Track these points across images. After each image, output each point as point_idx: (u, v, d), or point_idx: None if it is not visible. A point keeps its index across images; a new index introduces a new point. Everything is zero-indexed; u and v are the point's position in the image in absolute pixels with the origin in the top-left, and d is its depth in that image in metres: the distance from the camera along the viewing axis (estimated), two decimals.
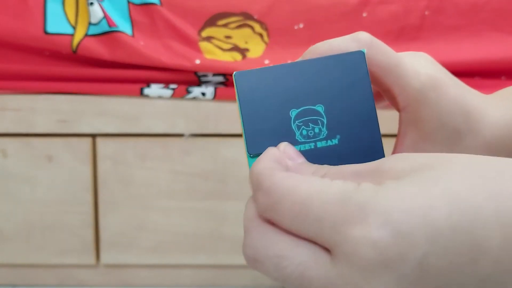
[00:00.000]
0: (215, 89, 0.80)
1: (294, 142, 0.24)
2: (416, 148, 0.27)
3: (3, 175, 0.83)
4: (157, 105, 0.81)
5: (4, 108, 0.81)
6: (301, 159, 0.23)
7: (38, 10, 0.77)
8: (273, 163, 0.22)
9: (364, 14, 0.80)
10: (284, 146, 0.24)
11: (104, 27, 0.76)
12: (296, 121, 0.24)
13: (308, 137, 0.24)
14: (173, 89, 0.80)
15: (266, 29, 0.80)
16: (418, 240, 0.17)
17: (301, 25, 0.80)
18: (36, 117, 0.82)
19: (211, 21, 0.79)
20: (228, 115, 0.82)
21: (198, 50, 0.79)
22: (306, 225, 0.19)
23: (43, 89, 0.81)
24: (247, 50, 0.80)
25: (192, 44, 0.79)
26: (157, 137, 0.83)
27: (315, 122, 0.24)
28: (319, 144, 0.24)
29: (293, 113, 0.24)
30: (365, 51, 0.25)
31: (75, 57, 0.79)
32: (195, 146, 0.83)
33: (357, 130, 0.24)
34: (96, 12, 0.76)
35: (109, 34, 0.76)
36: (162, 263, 0.88)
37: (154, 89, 0.80)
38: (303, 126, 0.24)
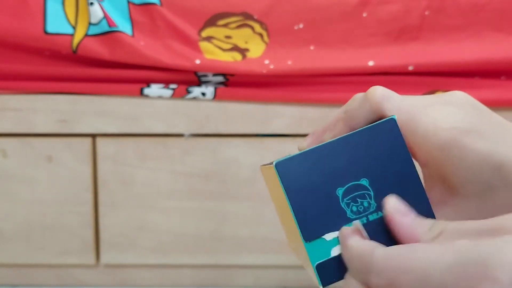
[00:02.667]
0: (215, 89, 0.80)
1: (346, 220, 0.24)
2: (445, 202, 0.25)
3: (3, 175, 0.83)
4: (157, 105, 0.81)
5: (4, 108, 0.81)
6: (414, 214, 0.23)
7: (38, 10, 0.77)
8: (370, 242, 0.22)
9: (364, 14, 0.80)
10: (395, 202, 0.23)
11: (104, 27, 0.76)
12: (344, 199, 0.25)
13: (358, 212, 0.25)
14: (173, 89, 0.80)
15: (266, 29, 0.80)
16: None
17: (301, 25, 0.80)
18: (36, 117, 0.82)
19: (211, 21, 0.79)
20: (228, 115, 0.82)
21: (198, 50, 0.79)
22: None
23: (43, 89, 0.81)
24: (247, 50, 0.80)
25: (192, 44, 0.79)
26: (157, 137, 0.83)
27: (362, 197, 0.25)
28: (370, 217, 0.25)
29: (340, 191, 0.25)
30: (395, 117, 0.25)
31: (75, 57, 0.79)
32: (195, 146, 0.83)
33: (404, 196, 0.24)
34: (96, 12, 0.76)
35: (109, 34, 0.76)
36: (162, 263, 0.88)
37: (154, 89, 0.80)
38: (352, 203, 0.25)
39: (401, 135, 0.25)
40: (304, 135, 0.91)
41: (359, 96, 0.27)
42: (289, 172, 0.25)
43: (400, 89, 0.79)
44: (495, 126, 0.25)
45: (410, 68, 0.78)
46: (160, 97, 0.81)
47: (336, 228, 0.24)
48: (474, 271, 0.17)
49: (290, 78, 0.79)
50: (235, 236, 0.86)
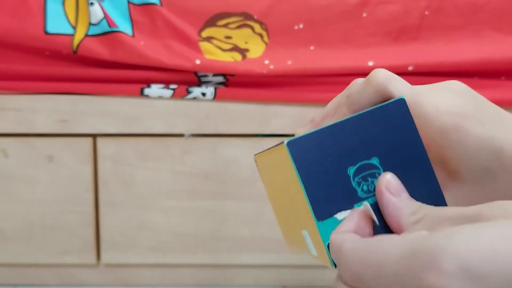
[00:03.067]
0: (215, 89, 0.80)
1: (357, 199, 0.24)
2: (446, 187, 0.25)
3: (4, 175, 0.84)
4: (157, 105, 0.81)
5: (5, 108, 0.82)
6: (405, 194, 0.23)
7: (38, 10, 0.77)
8: (344, 234, 0.22)
9: (364, 14, 0.80)
10: (390, 176, 0.24)
11: (105, 27, 0.77)
12: (356, 178, 0.25)
13: (369, 191, 0.25)
14: (173, 89, 0.80)
15: (266, 29, 0.80)
16: (494, 285, 0.16)
17: (301, 25, 0.80)
18: (37, 117, 0.82)
19: (211, 21, 0.80)
20: (228, 115, 0.82)
21: (198, 50, 0.79)
22: (392, 286, 0.19)
23: (44, 89, 0.81)
24: (247, 50, 0.80)
25: (192, 44, 0.79)
26: (157, 137, 0.83)
27: (373, 176, 0.25)
28: None
29: (351, 170, 0.25)
30: (404, 98, 0.25)
31: (76, 57, 0.79)
32: (195, 146, 0.83)
33: (415, 175, 0.25)
34: (96, 12, 0.76)
35: (109, 34, 0.77)
36: (162, 263, 0.88)
37: (154, 89, 0.80)
38: (363, 182, 0.25)
39: (411, 115, 0.25)
40: None
41: (360, 80, 0.27)
42: (300, 151, 0.24)
43: None
44: (492, 113, 0.25)
45: (410, 68, 0.78)
46: (160, 97, 0.81)
47: (348, 207, 0.24)
48: (422, 260, 0.18)
49: (290, 78, 0.80)
50: (235, 235, 0.86)
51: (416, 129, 0.25)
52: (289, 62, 0.79)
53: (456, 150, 0.24)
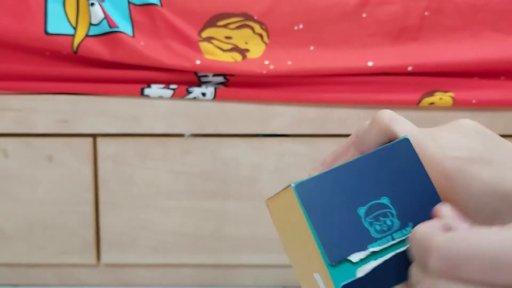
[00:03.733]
0: (215, 89, 0.80)
1: (370, 240, 0.24)
2: None
3: (4, 175, 0.84)
4: (157, 105, 0.81)
5: (5, 108, 0.82)
6: (467, 223, 0.23)
7: (39, 11, 0.77)
8: (435, 229, 0.21)
9: (364, 15, 0.80)
10: (446, 208, 0.23)
11: (105, 28, 0.77)
12: (367, 218, 0.24)
13: (383, 231, 0.24)
14: (174, 89, 0.80)
15: (266, 29, 0.81)
16: None
17: (301, 26, 0.80)
18: (37, 117, 0.82)
19: (211, 22, 0.80)
20: (228, 115, 0.82)
21: (198, 50, 0.79)
22: (502, 276, 0.19)
23: (44, 89, 0.81)
24: (247, 50, 0.80)
25: (192, 44, 0.79)
26: (157, 137, 0.83)
27: (385, 215, 0.24)
28: (395, 236, 0.24)
29: (361, 211, 0.24)
30: (408, 137, 0.25)
31: (76, 57, 0.79)
32: (195, 146, 0.83)
33: (426, 213, 0.24)
34: (97, 13, 0.76)
35: (109, 34, 0.77)
36: (162, 263, 0.88)
37: (155, 90, 0.80)
38: (375, 222, 0.24)
39: (416, 154, 0.25)
40: (304, 135, 0.91)
41: (368, 121, 0.28)
42: (308, 193, 0.24)
43: (399, 89, 0.80)
44: (502, 153, 0.25)
45: (409, 68, 0.78)
46: (160, 97, 0.81)
47: (361, 248, 0.24)
48: None
49: (290, 79, 0.80)
50: (235, 235, 0.86)
51: (423, 167, 0.25)
52: (289, 62, 0.79)
53: (462, 194, 0.24)
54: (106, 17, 0.77)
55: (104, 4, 0.78)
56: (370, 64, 0.78)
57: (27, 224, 0.86)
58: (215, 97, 0.80)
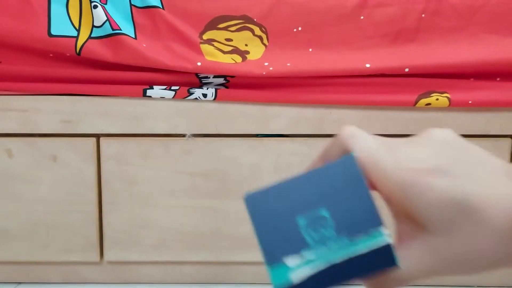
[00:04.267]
0: (216, 90, 0.81)
1: (305, 246, 0.26)
2: (415, 237, 0.26)
3: (8, 175, 0.84)
4: (159, 106, 0.82)
5: (9, 109, 0.82)
6: None
7: (42, 13, 0.78)
8: None
9: (362, 17, 0.81)
10: None
11: (108, 30, 0.77)
12: (304, 227, 0.27)
13: (318, 240, 0.26)
14: (175, 90, 0.81)
15: (265, 31, 0.81)
16: None
17: (300, 28, 0.81)
18: (41, 118, 0.83)
19: (212, 24, 0.80)
20: (228, 116, 0.83)
21: (199, 52, 0.80)
22: None
23: (48, 90, 0.82)
24: (247, 52, 0.81)
25: (193, 46, 0.79)
26: (159, 137, 0.84)
27: (322, 226, 0.27)
28: (330, 245, 0.26)
29: (301, 220, 0.27)
30: (353, 154, 0.27)
31: (79, 59, 0.80)
32: (196, 146, 0.84)
33: (363, 228, 0.26)
34: (100, 15, 0.77)
35: (112, 36, 0.77)
36: (164, 260, 0.89)
37: (157, 91, 0.81)
38: (312, 231, 0.27)
39: (360, 171, 0.27)
40: (303, 136, 0.92)
41: (331, 140, 0.29)
42: (256, 203, 0.27)
43: (396, 90, 0.81)
44: (465, 164, 0.25)
45: (406, 69, 0.79)
46: (162, 98, 0.82)
47: (296, 252, 0.26)
48: None
49: (289, 80, 0.80)
50: (235, 233, 0.87)
51: (365, 184, 0.27)
52: (288, 64, 0.79)
53: (417, 204, 0.25)
54: (108, 19, 0.77)
55: (107, 7, 0.78)
56: (367, 65, 0.79)
57: (31, 223, 0.86)
58: (215, 98, 0.81)
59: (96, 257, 0.88)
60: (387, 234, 0.26)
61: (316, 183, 0.27)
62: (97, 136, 0.84)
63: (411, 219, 0.26)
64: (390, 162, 0.26)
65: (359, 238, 0.26)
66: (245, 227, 0.86)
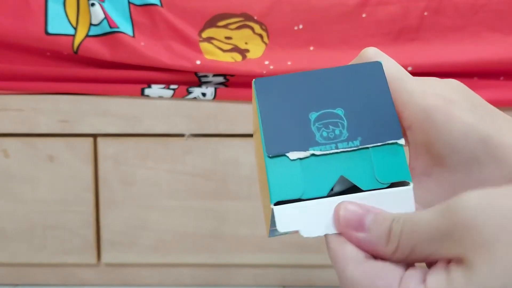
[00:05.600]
0: (215, 89, 0.80)
1: (314, 143, 0.24)
2: (429, 174, 0.25)
3: (5, 175, 0.84)
4: (157, 106, 0.82)
5: (6, 108, 0.82)
6: (369, 219, 0.22)
7: (39, 11, 0.77)
8: (344, 254, 0.22)
9: (364, 15, 0.80)
10: (344, 211, 0.23)
11: (105, 28, 0.77)
12: (316, 123, 0.24)
13: (328, 138, 0.24)
14: (174, 89, 0.80)
15: (266, 30, 0.81)
16: None
17: (301, 26, 0.81)
18: (38, 117, 0.82)
19: (211, 22, 0.80)
20: (228, 115, 0.82)
21: (198, 50, 0.79)
22: None
23: (45, 89, 0.81)
24: (247, 50, 0.81)
25: (192, 44, 0.79)
26: (157, 137, 0.83)
27: (335, 125, 0.24)
28: (340, 146, 0.24)
29: (313, 115, 0.25)
30: (382, 62, 0.25)
31: (77, 57, 0.79)
32: (196, 146, 0.83)
33: (380, 132, 0.24)
34: (97, 13, 0.77)
35: (110, 34, 0.77)
36: (163, 262, 0.88)
37: (155, 90, 0.80)
38: (323, 128, 0.24)
39: (385, 77, 0.25)
40: None
41: (354, 60, 0.27)
42: (266, 89, 0.25)
43: None
44: (485, 108, 0.25)
45: (409, 68, 0.79)
46: (160, 97, 0.81)
47: (302, 148, 0.24)
48: None
49: None
50: (235, 235, 0.86)
51: (389, 91, 0.25)
52: (289, 63, 0.79)
53: (442, 133, 0.23)
54: (106, 17, 0.77)
55: (105, 5, 0.78)
56: None
57: (27, 224, 0.86)
58: (215, 97, 0.81)
59: (94, 259, 0.87)
60: (403, 147, 0.24)
61: (335, 81, 0.25)
62: (95, 136, 0.83)
63: (428, 153, 0.24)
64: (417, 85, 0.24)
65: (374, 145, 0.24)
66: (246, 229, 0.86)
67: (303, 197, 0.24)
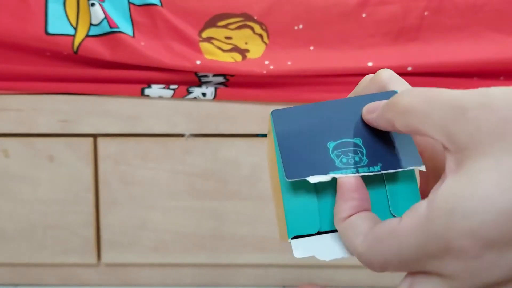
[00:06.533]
0: (216, 89, 0.80)
1: (334, 168, 0.24)
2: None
3: (5, 175, 0.84)
4: (157, 105, 0.82)
5: (6, 108, 0.82)
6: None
7: (39, 11, 0.77)
8: (352, 225, 0.23)
9: (364, 15, 0.80)
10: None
11: (105, 28, 0.77)
12: (335, 151, 0.24)
13: (348, 164, 0.24)
14: (174, 89, 0.80)
15: (266, 29, 0.81)
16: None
17: (301, 26, 0.81)
18: (38, 117, 0.82)
19: (212, 22, 0.80)
20: (228, 115, 0.82)
21: (198, 50, 0.79)
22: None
23: (45, 89, 0.81)
24: (247, 50, 0.80)
25: (192, 44, 0.79)
26: (157, 137, 0.83)
27: (354, 152, 0.24)
28: (360, 170, 0.24)
29: (331, 144, 0.24)
30: (398, 91, 0.25)
31: (76, 57, 0.79)
32: (196, 146, 0.83)
33: (399, 158, 0.24)
34: (97, 13, 0.76)
35: (110, 34, 0.77)
36: (162, 262, 0.88)
37: (155, 90, 0.80)
38: (342, 155, 0.24)
39: None
40: None
41: (368, 77, 0.27)
42: (283, 120, 0.25)
43: None
44: None
45: (409, 68, 0.78)
46: (160, 97, 0.81)
47: (322, 172, 0.24)
48: (437, 247, 0.19)
49: (290, 79, 0.80)
50: (235, 235, 0.86)
51: None
52: (289, 63, 0.79)
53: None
54: (106, 17, 0.77)
55: (105, 5, 0.78)
56: (369, 64, 0.78)
57: (27, 224, 0.86)
58: (215, 97, 0.80)
59: (94, 259, 0.87)
60: (415, 175, 0.24)
61: (352, 111, 0.25)
62: (95, 136, 0.83)
63: (438, 178, 0.24)
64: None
65: (395, 171, 0.24)
66: (246, 229, 0.86)
67: (319, 230, 0.24)
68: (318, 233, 0.24)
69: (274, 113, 0.25)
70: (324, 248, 0.24)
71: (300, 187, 0.24)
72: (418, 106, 0.20)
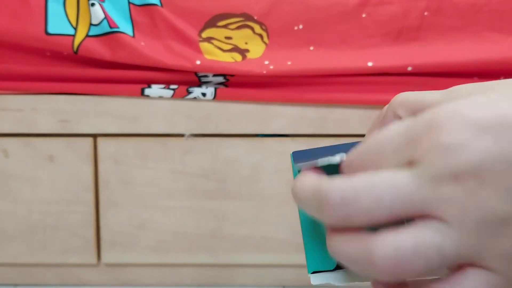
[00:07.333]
0: (215, 89, 0.80)
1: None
2: None
3: (4, 175, 0.84)
4: (157, 105, 0.82)
5: (6, 108, 0.82)
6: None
7: (39, 11, 0.77)
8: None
9: (364, 15, 0.80)
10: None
11: (105, 28, 0.77)
12: None
13: None
14: (174, 89, 0.80)
15: (266, 30, 0.81)
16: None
17: (301, 26, 0.81)
18: (38, 117, 0.82)
19: (211, 22, 0.80)
20: (228, 115, 0.82)
21: (198, 50, 0.79)
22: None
23: (45, 89, 0.81)
24: (247, 50, 0.80)
25: (192, 44, 0.79)
26: (157, 137, 0.83)
27: None
28: None
29: None
30: None
31: (76, 57, 0.79)
32: (196, 146, 0.83)
33: None
34: (97, 13, 0.76)
35: (110, 34, 0.77)
36: (162, 262, 0.88)
37: (155, 90, 0.80)
38: None
39: None
40: (304, 135, 0.91)
41: (386, 107, 0.28)
42: (303, 159, 0.25)
43: (399, 89, 0.80)
44: None
45: (409, 68, 0.78)
46: (160, 97, 0.81)
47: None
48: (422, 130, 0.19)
49: (290, 79, 0.80)
50: (235, 235, 0.86)
51: None
52: (289, 63, 0.79)
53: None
54: (106, 17, 0.77)
55: (105, 5, 0.78)
56: (370, 64, 0.78)
57: (27, 224, 0.86)
58: (215, 97, 0.80)
59: (94, 259, 0.87)
60: None
61: None
62: (95, 136, 0.83)
63: None
64: None
65: None
66: (246, 229, 0.86)
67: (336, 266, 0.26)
68: (336, 267, 0.26)
69: (295, 154, 0.26)
70: (341, 277, 0.26)
71: (320, 225, 0.26)
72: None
